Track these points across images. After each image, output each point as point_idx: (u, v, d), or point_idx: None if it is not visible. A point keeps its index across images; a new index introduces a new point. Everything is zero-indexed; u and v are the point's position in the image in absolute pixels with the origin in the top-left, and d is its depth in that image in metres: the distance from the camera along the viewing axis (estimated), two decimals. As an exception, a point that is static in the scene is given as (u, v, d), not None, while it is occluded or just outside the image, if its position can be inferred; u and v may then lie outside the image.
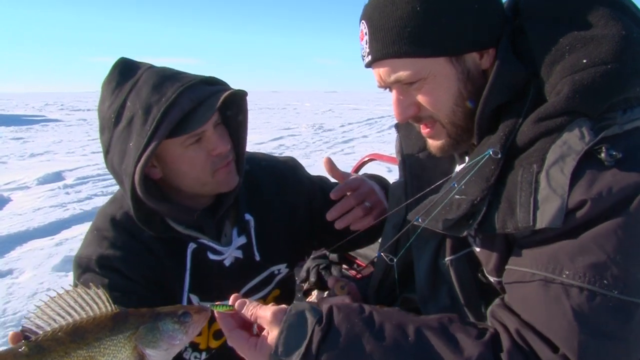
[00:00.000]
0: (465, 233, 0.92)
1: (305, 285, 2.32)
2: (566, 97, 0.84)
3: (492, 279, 0.97)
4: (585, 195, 0.79)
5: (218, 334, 1.37)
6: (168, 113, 1.10)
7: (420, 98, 0.97)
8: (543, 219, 0.81)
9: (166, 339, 0.86)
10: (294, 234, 1.47)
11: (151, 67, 1.20)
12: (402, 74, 0.95)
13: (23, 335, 0.84)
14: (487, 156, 0.89)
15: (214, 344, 1.37)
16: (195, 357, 1.36)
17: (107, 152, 1.20)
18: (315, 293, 2.29)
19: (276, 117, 21.78)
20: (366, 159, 2.75)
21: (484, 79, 0.96)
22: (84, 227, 5.12)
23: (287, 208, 1.46)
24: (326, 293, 1.90)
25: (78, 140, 13.48)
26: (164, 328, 0.86)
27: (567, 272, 0.80)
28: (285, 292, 1.51)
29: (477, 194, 0.88)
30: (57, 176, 7.91)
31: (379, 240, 1.60)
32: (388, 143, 12.43)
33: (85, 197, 6.54)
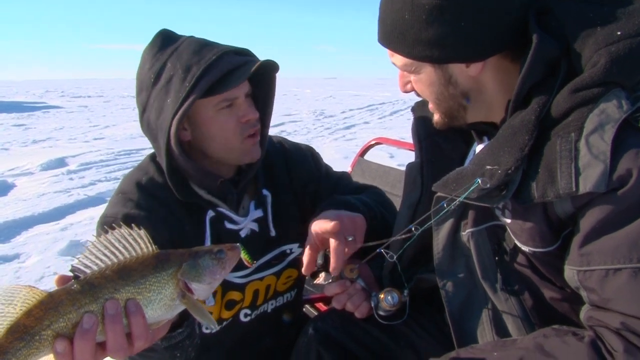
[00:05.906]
0: (500, 204, 0.93)
1: (313, 267, 2.32)
2: (603, 68, 0.85)
3: (526, 248, 0.98)
4: (632, 164, 0.81)
5: (230, 304, 1.38)
6: (207, 72, 1.19)
7: (412, 82, 1.06)
8: (586, 184, 0.82)
9: (208, 273, 0.91)
10: (304, 214, 1.48)
11: (192, 36, 1.29)
12: (395, 61, 1.05)
13: (73, 275, 0.88)
14: (476, 184, 0.93)
15: (226, 314, 1.38)
16: (206, 328, 1.37)
17: (143, 112, 1.26)
18: (323, 275, 2.30)
19: (277, 103, 21.44)
20: (373, 142, 2.74)
21: (474, 83, 1.01)
22: (89, 213, 5.14)
23: (297, 188, 1.49)
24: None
25: (79, 126, 13.46)
26: (204, 264, 0.91)
27: None
28: (301, 274, 1.52)
29: (511, 163, 0.89)
30: (60, 162, 7.91)
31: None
32: (389, 129, 12.38)
33: (89, 182, 6.56)
